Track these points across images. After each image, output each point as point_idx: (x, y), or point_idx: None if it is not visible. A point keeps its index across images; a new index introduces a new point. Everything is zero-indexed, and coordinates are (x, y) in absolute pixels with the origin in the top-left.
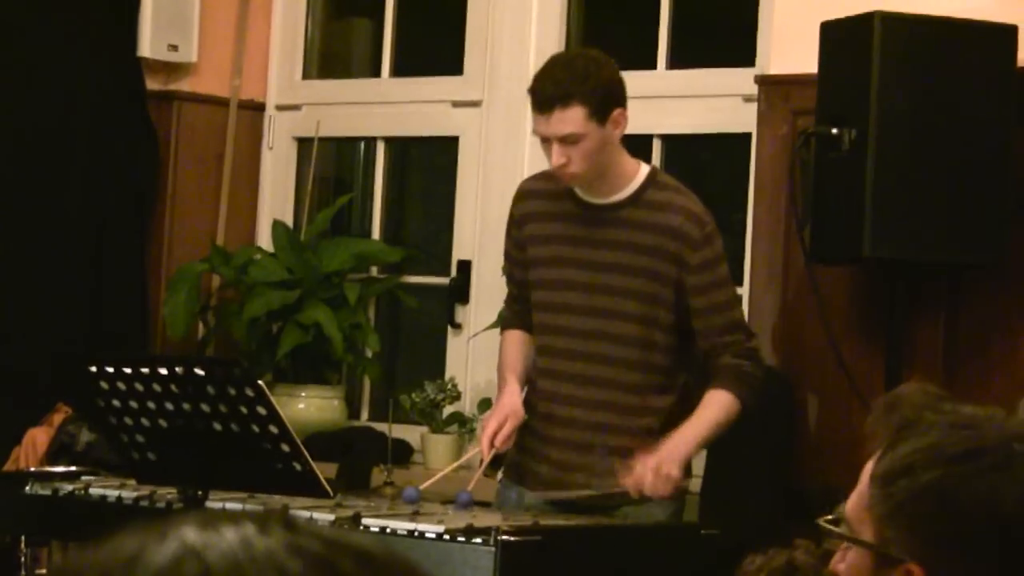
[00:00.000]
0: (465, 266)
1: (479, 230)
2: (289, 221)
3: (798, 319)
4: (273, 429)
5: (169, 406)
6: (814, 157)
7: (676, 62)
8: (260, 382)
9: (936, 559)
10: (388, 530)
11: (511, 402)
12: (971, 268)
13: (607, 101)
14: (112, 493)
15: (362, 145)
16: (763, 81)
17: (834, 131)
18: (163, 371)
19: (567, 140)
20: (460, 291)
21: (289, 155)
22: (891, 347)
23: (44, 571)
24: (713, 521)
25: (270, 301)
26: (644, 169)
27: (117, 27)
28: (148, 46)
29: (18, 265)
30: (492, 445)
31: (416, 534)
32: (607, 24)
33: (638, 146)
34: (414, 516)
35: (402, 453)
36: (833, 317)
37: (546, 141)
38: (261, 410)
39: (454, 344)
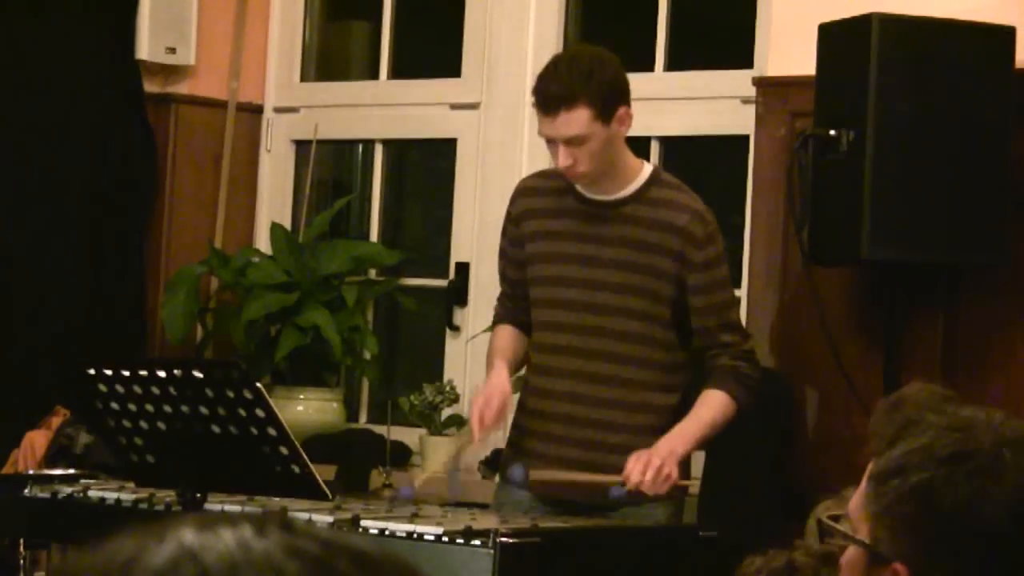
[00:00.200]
0: (463, 268)
1: (477, 232)
2: (287, 223)
3: (796, 321)
4: (272, 431)
5: (167, 408)
6: (812, 159)
7: (674, 64)
8: (258, 384)
9: (921, 560)
10: (387, 532)
11: (499, 382)
12: (970, 269)
13: (612, 100)
14: (111, 496)
15: (360, 147)
16: (761, 83)
17: (832, 133)
18: (161, 373)
19: (573, 142)
20: (458, 293)
21: (287, 157)
22: (889, 348)
23: (43, 574)
24: (712, 522)
25: (268, 303)
26: (647, 167)
27: (115, 30)
28: (146, 49)
29: (17, 267)
30: (482, 423)
31: (415, 536)
32: (605, 26)
33: (636, 148)
34: (413, 518)
35: (401, 455)
36: (831, 319)
37: (551, 142)
38: (259, 412)
39: (452, 346)
